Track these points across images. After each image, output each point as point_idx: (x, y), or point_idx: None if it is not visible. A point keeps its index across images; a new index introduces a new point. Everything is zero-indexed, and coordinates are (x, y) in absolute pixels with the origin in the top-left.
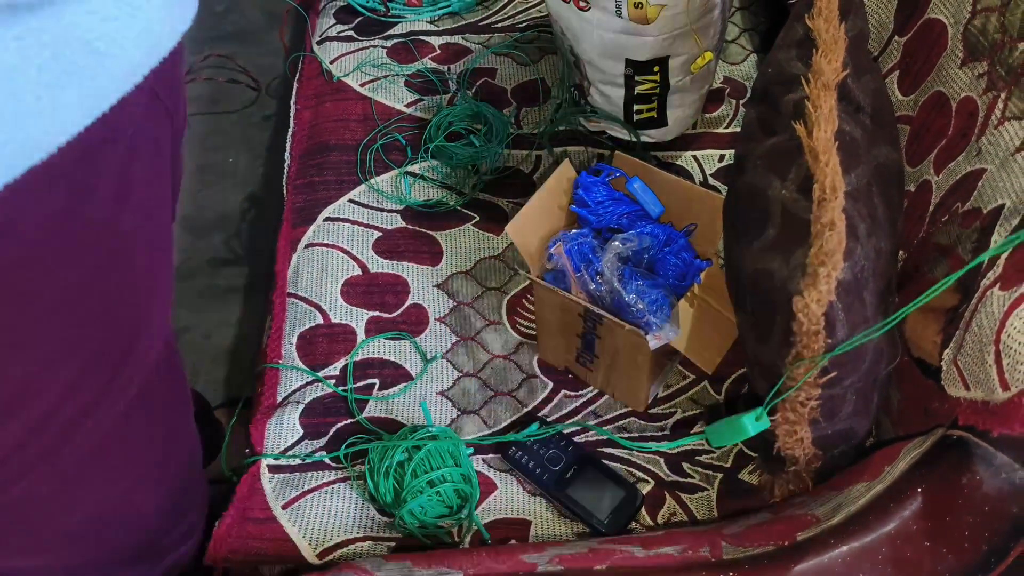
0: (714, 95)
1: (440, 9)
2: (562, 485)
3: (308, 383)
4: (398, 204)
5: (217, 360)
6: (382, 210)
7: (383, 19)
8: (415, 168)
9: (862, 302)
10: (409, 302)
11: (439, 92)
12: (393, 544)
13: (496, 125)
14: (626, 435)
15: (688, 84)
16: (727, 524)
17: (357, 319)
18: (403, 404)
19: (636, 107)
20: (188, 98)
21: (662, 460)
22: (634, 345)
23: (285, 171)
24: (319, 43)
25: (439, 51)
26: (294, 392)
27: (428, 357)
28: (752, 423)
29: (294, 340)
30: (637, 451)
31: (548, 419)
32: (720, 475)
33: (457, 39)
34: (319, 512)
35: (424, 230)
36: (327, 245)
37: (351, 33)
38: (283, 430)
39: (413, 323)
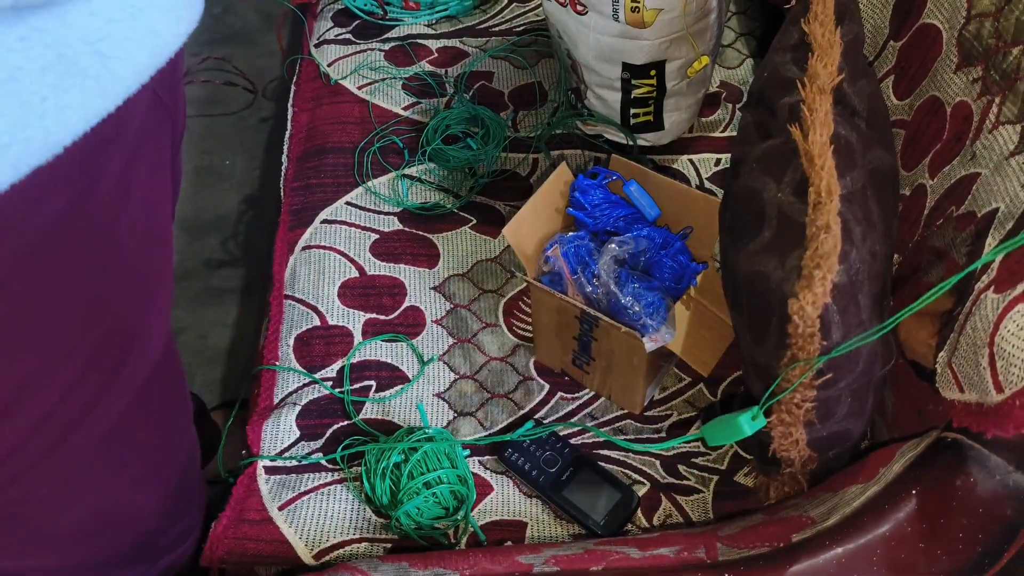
0: (710, 99)
1: (437, 13)
2: (558, 487)
3: (305, 385)
4: (395, 207)
5: (213, 362)
6: (379, 212)
7: (381, 22)
8: (412, 171)
9: (857, 305)
10: (406, 304)
11: (436, 95)
12: (389, 545)
13: (493, 128)
14: (622, 437)
15: (684, 88)
16: (722, 526)
17: (354, 321)
18: (400, 406)
19: (632, 111)
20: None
21: (658, 462)
22: (630, 347)
23: (282, 173)
24: (316, 46)
25: (436, 54)
26: (291, 394)
27: (425, 359)
28: (748, 422)
29: (291, 342)
30: (633, 452)
31: (544, 421)
32: (716, 477)
33: (454, 42)
34: (315, 513)
35: (421, 233)
36: (324, 247)
37: (349, 36)
38: (280, 432)
39: (410, 325)
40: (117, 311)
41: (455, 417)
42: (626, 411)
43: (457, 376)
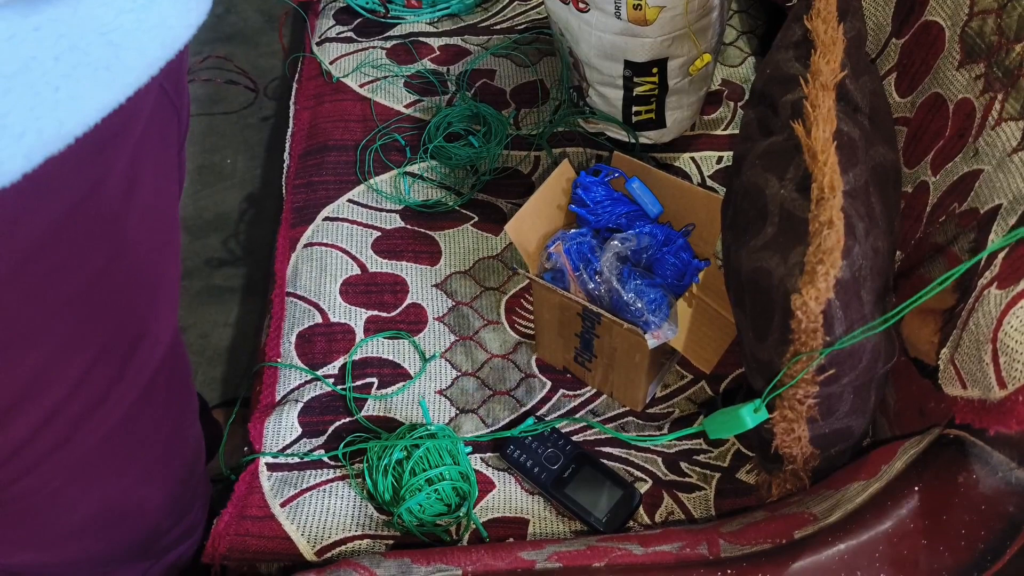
0: (712, 97)
1: (439, 11)
2: (560, 484)
3: (307, 382)
4: (397, 204)
5: (214, 360)
6: (381, 210)
7: (382, 20)
8: (414, 168)
9: (860, 301)
10: (408, 302)
11: (438, 93)
12: (391, 542)
13: (495, 126)
14: (624, 435)
15: (686, 86)
16: (725, 522)
17: (356, 318)
18: (402, 403)
19: (635, 108)
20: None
21: (660, 459)
22: (632, 344)
23: (284, 171)
24: (318, 44)
25: (438, 52)
26: (293, 391)
27: (427, 356)
28: (750, 415)
29: (293, 339)
30: (636, 447)
31: (546, 418)
32: (718, 475)
33: (456, 40)
34: (317, 510)
35: (423, 230)
36: (326, 245)
37: (350, 34)
38: (282, 429)
39: (412, 322)
40: (126, 303)
41: (457, 414)
42: (628, 408)
43: (459, 373)
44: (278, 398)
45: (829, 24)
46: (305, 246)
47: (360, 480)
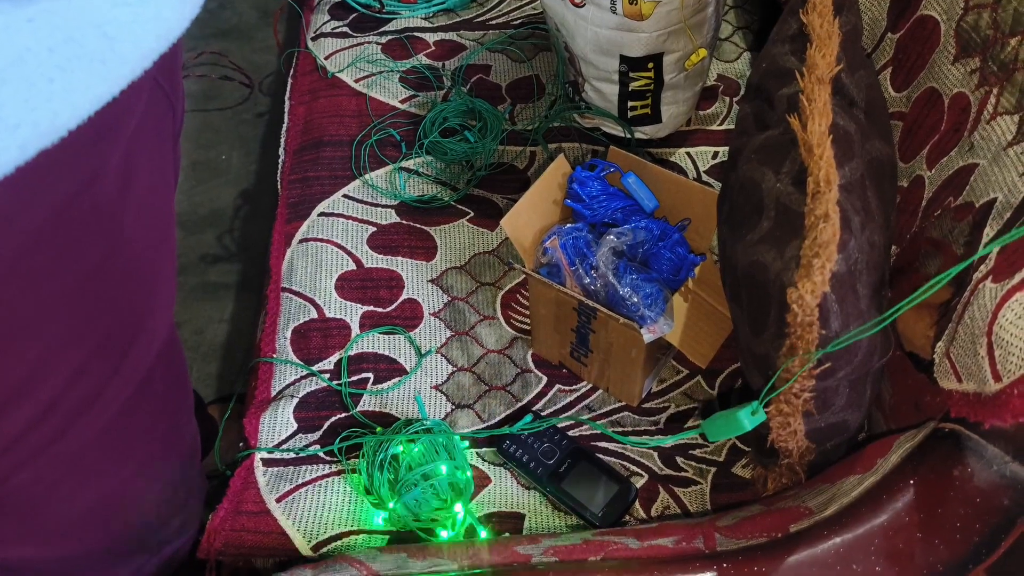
0: (708, 93)
1: (435, 6)
2: (556, 479)
3: (302, 377)
4: (392, 199)
5: (209, 356)
6: (376, 205)
7: (378, 15)
8: (409, 164)
9: (856, 294)
10: (403, 297)
11: (434, 88)
12: (387, 537)
13: (490, 121)
14: (619, 429)
15: (682, 81)
16: (721, 516)
17: (351, 314)
18: (397, 398)
19: (630, 103)
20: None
21: (655, 454)
22: (628, 339)
23: (279, 166)
24: (313, 39)
25: (434, 47)
26: (288, 386)
27: (422, 351)
28: (748, 417)
29: (288, 334)
30: (630, 446)
31: (542, 413)
32: (713, 469)
33: (452, 36)
34: (313, 505)
35: (418, 225)
36: (321, 240)
37: (345, 29)
38: (277, 424)
39: (407, 318)
40: (123, 297)
41: (453, 409)
42: (624, 403)
43: (455, 368)
44: (273, 394)
45: (825, 18)
46: (300, 241)
47: (356, 475)
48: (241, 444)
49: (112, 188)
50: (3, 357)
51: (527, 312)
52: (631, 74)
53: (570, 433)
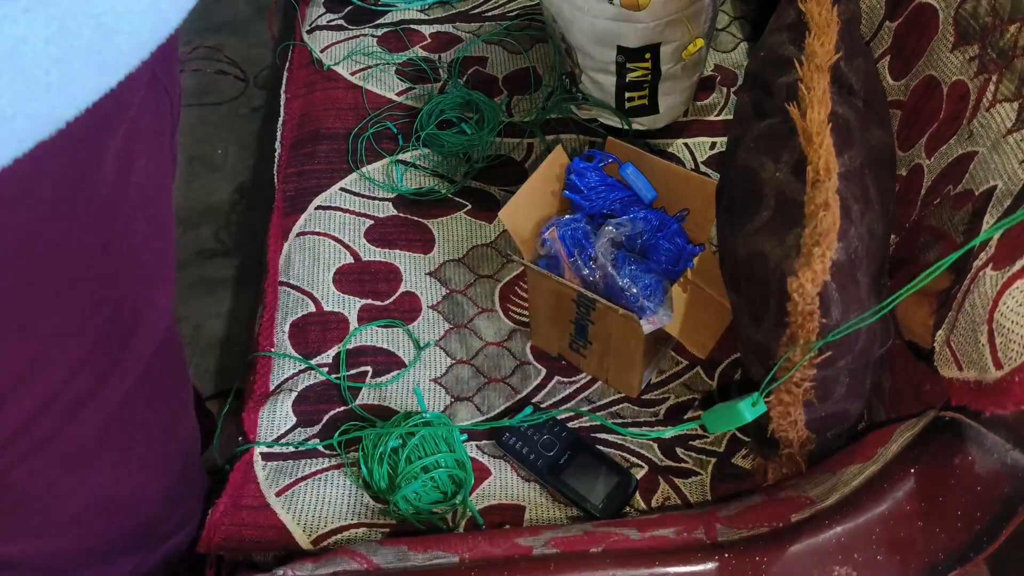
0: (705, 83)
1: None
2: (556, 470)
3: (301, 371)
4: (390, 192)
5: (207, 351)
6: (374, 198)
7: (373, 8)
8: (406, 156)
9: (856, 283)
10: (401, 290)
11: (430, 80)
12: (387, 530)
13: (487, 113)
14: (619, 421)
15: (679, 71)
16: (722, 507)
17: (349, 307)
18: (396, 391)
19: (627, 94)
20: None
21: (655, 445)
22: (628, 330)
23: (276, 160)
24: (309, 32)
25: (430, 40)
26: (287, 380)
27: (421, 344)
28: (749, 409)
29: (286, 328)
30: (630, 437)
31: (541, 405)
32: (714, 460)
33: (448, 27)
34: (313, 499)
35: (416, 218)
36: (319, 233)
37: (341, 22)
38: (276, 418)
39: (406, 311)
40: (122, 289)
41: (452, 402)
42: (623, 394)
43: (454, 361)
44: (272, 388)
45: (823, 6)
46: (298, 235)
47: (355, 469)
48: (240, 439)
49: (110, 179)
50: (2, 350)
51: (526, 304)
52: (628, 65)
53: (570, 425)
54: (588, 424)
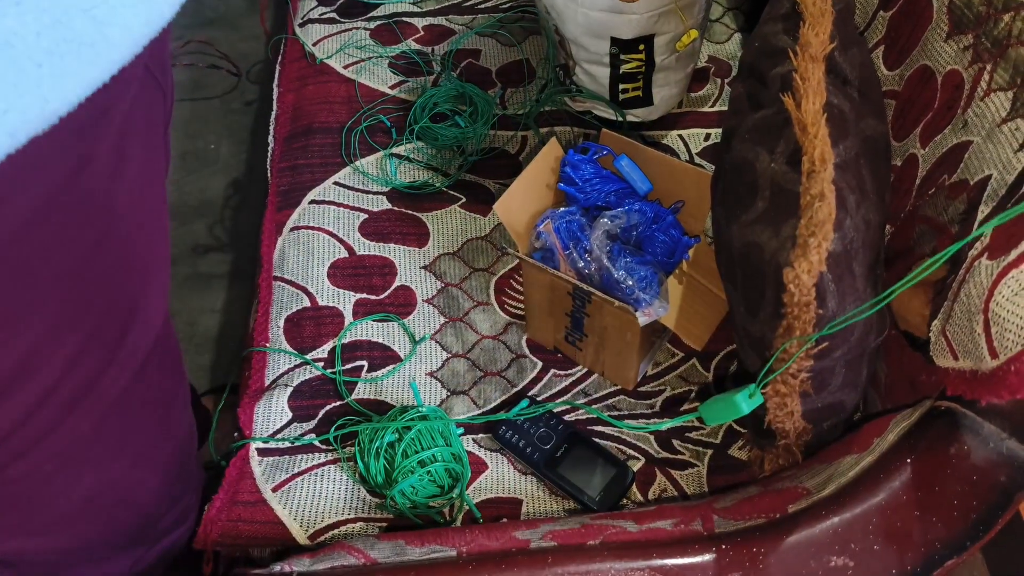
0: (699, 74)
1: None
2: (553, 463)
3: (296, 366)
4: (384, 186)
5: (202, 347)
6: (368, 192)
7: (365, 1)
8: (400, 150)
9: (852, 273)
10: (396, 284)
11: (423, 73)
12: (384, 525)
13: (481, 106)
14: (615, 413)
15: (673, 63)
16: (718, 498)
17: (344, 301)
18: (392, 385)
19: (622, 86)
20: None
21: (652, 437)
22: (623, 322)
23: (269, 154)
24: (301, 25)
25: (423, 32)
26: (282, 375)
27: (416, 338)
28: (746, 400)
29: (281, 323)
30: (627, 430)
31: (538, 398)
32: (710, 451)
33: (440, 20)
34: (309, 494)
35: (410, 212)
36: (313, 228)
37: (333, 15)
38: (272, 413)
39: (401, 305)
40: (116, 284)
41: (448, 396)
42: (619, 387)
43: (449, 355)
44: (267, 383)
45: None
46: (292, 230)
47: (352, 463)
48: (236, 434)
49: (104, 174)
50: None
51: (521, 297)
52: (622, 56)
53: (566, 418)
54: (584, 417)
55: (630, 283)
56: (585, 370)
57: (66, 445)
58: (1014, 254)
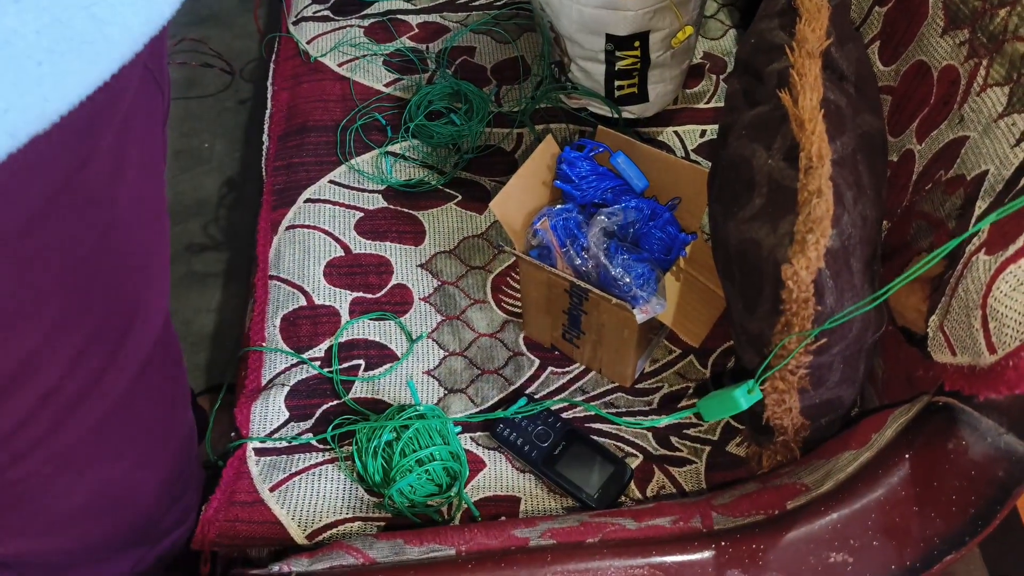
0: (694, 70)
1: None
2: (551, 461)
3: (293, 365)
4: (379, 184)
5: (197, 346)
6: (363, 190)
7: None
8: (396, 148)
9: (850, 269)
10: (393, 282)
11: (418, 71)
12: (383, 524)
13: (476, 104)
14: (613, 410)
15: (669, 59)
16: (717, 495)
17: (341, 300)
18: (389, 384)
19: (617, 83)
20: None
21: (650, 434)
22: (621, 319)
23: (264, 153)
24: (295, 23)
25: (417, 30)
26: (279, 375)
27: (413, 337)
28: (744, 396)
29: (277, 323)
30: (625, 427)
31: (535, 396)
32: (708, 448)
33: (435, 17)
34: (307, 494)
35: (406, 210)
36: (308, 227)
37: (327, 13)
38: (268, 413)
39: (397, 303)
40: (117, 284)
41: (445, 394)
42: (617, 384)
43: (446, 353)
44: (264, 382)
45: None
46: (287, 229)
47: (349, 463)
48: (233, 434)
49: (105, 172)
50: None
51: (518, 295)
52: (617, 53)
53: (564, 415)
54: (582, 414)
55: (627, 280)
56: (582, 368)
57: (67, 446)
58: (1012, 249)
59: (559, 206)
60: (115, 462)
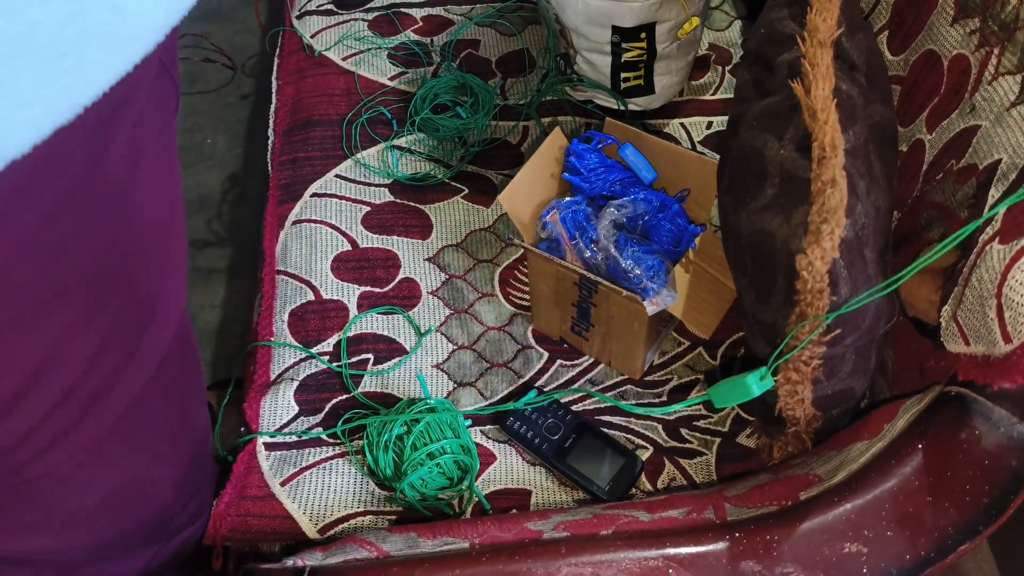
0: (700, 62)
1: None
2: (561, 454)
3: (301, 360)
4: (386, 178)
5: (203, 342)
6: (370, 184)
7: None
8: (401, 142)
9: (863, 259)
10: (400, 276)
11: (423, 64)
12: (394, 518)
13: (482, 97)
14: (623, 403)
15: (675, 51)
16: (729, 486)
17: (349, 295)
18: (398, 378)
19: (623, 75)
20: None
21: (660, 426)
22: (631, 312)
23: (269, 147)
24: (298, 17)
25: (421, 23)
26: (288, 369)
27: (422, 331)
28: (756, 382)
29: (285, 317)
30: (637, 417)
31: (545, 389)
32: (718, 440)
33: (439, 10)
34: (318, 488)
35: (413, 204)
36: (315, 221)
37: (331, 6)
38: (278, 408)
39: (405, 297)
40: (136, 280)
41: (455, 388)
42: (626, 377)
43: (455, 347)
44: (273, 377)
45: None
46: (294, 223)
47: (360, 457)
48: (242, 429)
49: (122, 166)
50: (20, 341)
51: (526, 288)
52: (623, 45)
53: (574, 408)
54: (592, 407)
55: (638, 272)
56: (591, 360)
57: (85, 443)
58: None
59: (568, 199)
60: (132, 458)
